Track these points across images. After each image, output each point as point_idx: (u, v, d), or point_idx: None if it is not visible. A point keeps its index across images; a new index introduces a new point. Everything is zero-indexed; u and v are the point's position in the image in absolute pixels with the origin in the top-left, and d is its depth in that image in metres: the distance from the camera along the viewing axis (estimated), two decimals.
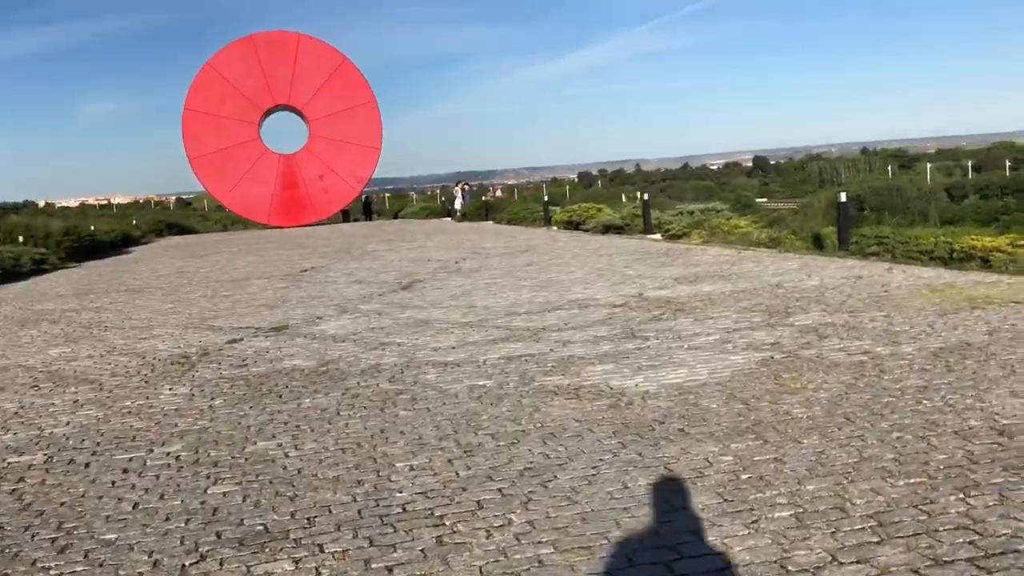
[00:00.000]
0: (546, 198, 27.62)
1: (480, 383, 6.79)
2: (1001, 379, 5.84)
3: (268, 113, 38.86)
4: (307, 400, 6.63)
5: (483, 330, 9.11)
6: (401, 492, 4.52)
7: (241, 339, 9.58)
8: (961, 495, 3.95)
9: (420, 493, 4.48)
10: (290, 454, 5.31)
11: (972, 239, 11.22)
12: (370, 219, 44.00)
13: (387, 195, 78.30)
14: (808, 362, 6.74)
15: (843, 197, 13.63)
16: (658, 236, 19.29)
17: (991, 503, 3.84)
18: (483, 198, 38.54)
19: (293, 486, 4.73)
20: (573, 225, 23.84)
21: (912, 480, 4.17)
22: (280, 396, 6.83)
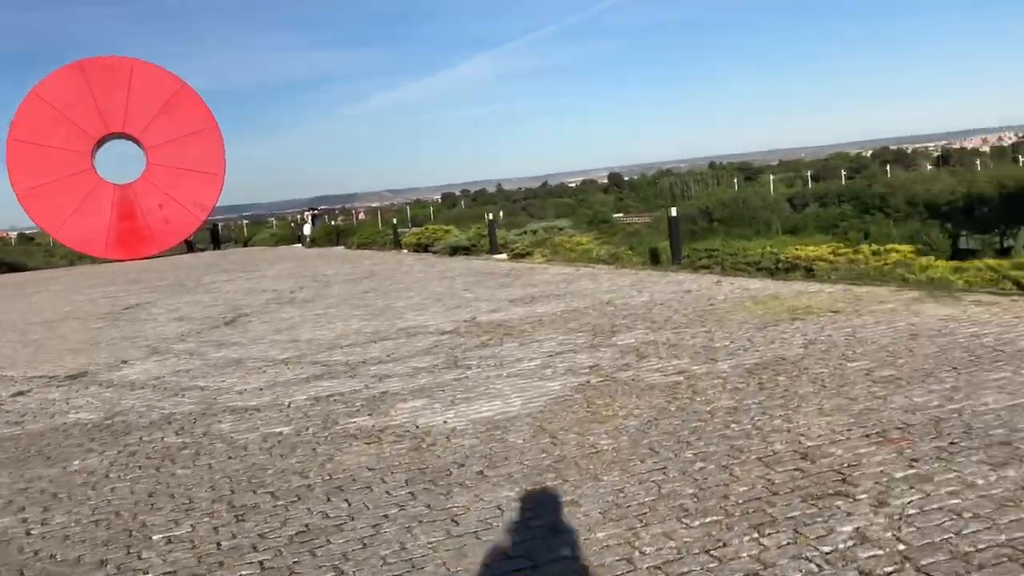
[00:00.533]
0: (395, 221, 27.02)
1: (277, 430, 6.20)
2: (811, 396, 5.69)
3: (102, 142, 36.75)
4: (76, 462, 5.89)
5: (298, 367, 8.50)
6: (147, 574, 3.91)
7: (29, 390, 8.64)
8: (756, 534, 3.67)
9: (168, 573, 3.88)
10: (33, 531, 4.60)
11: (796, 249, 11.36)
12: (218, 248, 42.25)
13: (245, 222, 75.70)
14: (623, 386, 6.46)
15: (673, 212, 13.67)
16: (504, 256, 19.04)
17: (784, 542, 3.57)
18: (332, 223, 37.56)
19: (22, 574, 4.04)
20: (422, 247, 23.36)
21: (708, 519, 3.87)
22: (48, 458, 6.05)
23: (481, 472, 4.85)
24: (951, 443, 4.50)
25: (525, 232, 19.05)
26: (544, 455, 5.03)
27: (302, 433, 6.05)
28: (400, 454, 5.35)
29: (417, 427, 5.91)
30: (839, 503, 3.89)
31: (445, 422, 5.96)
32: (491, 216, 20.28)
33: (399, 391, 7.03)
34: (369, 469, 5.11)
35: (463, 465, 5.00)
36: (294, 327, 11.28)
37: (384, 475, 4.97)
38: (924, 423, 4.87)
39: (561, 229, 18.85)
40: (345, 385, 7.45)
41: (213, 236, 44.01)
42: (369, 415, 6.36)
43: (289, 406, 6.90)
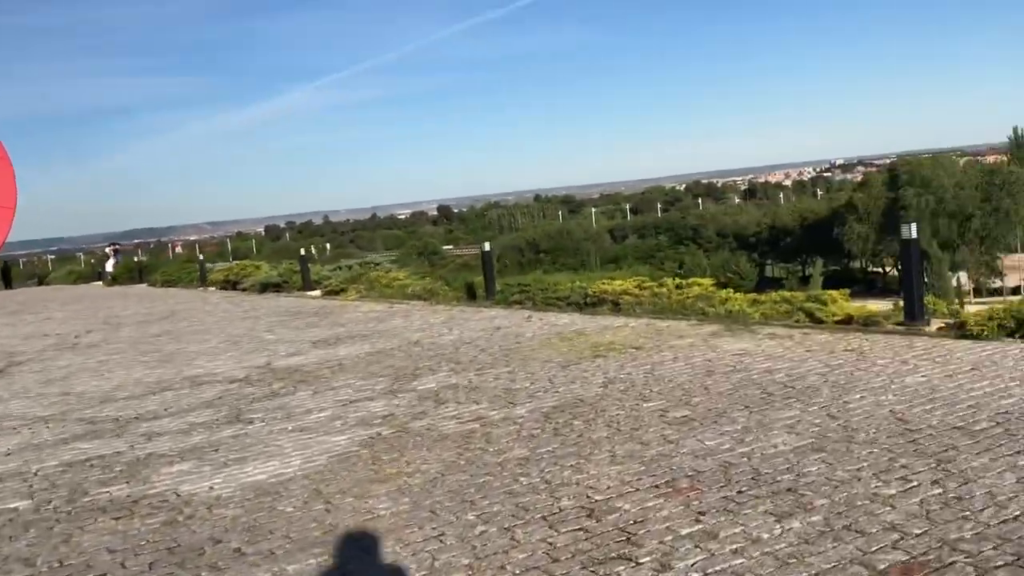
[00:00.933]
0: (201, 256, 25.60)
1: (14, 505, 5.36)
2: (604, 441, 5.44)
3: None
4: None
5: (61, 425, 7.56)
6: None
7: None
8: None
9: None
10: None
11: (603, 284, 11.34)
12: (9, 287, 38.86)
13: (51, 257, 70.57)
14: (415, 437, 6.02)
15: (487, 247, 13.46)
16: (317, 293, 18.28)
17: None
18: (135, 259, 35.36)
19: None
20: (231, 284, 22.16)
21: None
22: None
23: (239, 549, 4.27)
24: (739, 492, 4.32)
25: (339, 267, 18.36)
26: (314, 525, 4.51)
27: (42, 508, 5.25)
28: (151, 530, 4.68)
29: (178, 496, 5.24)
30: (621, 569, 3.59)
31: (211, 488, 5.32)
32: (304, 251, 19.45)
33: (167, 452, 6.30)
34: (110, 551, 4.42)
35: (220, 541, 4.41)
36: (69, 377, 10.18)
37: (126, 558, 4.31)
38: (714, 469, 4.69)
39: (377, 264, 18.29)
40: (108, 446, 6.64)
41: (3, 274, 40.51)
42: (126, 483, 5.62)
43: (36, 474, 6.03)
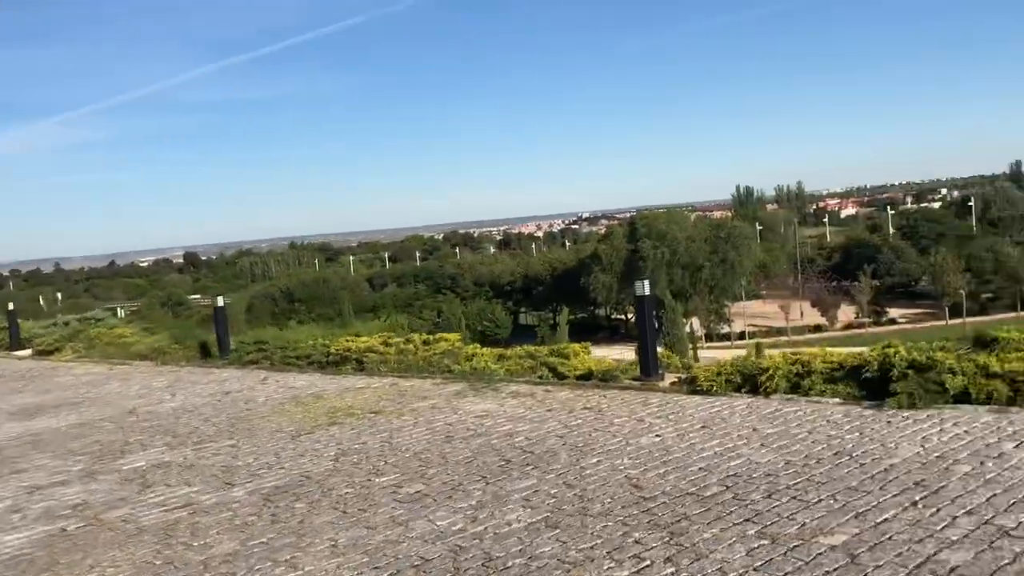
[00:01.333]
0: None
1: None
2: (327, 527, 4.89)
3: None
4: None
5: None
6: None
7: None
8: None
9: None
10: None
11: (347, 341, 10.80)
12: None
13: None
14: (109, 530, 5.18)
15: (220, 302, 12.50)
16: (28, 352, 16.31)
17: None
18: None
19: None
20: None
21: None
22: None
23: None
24: None
25: (55, 323, 16.50)
26: None
27: None
28: None
29: None
30: None
31: None
32: (11, 306, 17.33)
33: None
34: None
35: None
36: None
37: None
38: (443, 555, 4.28)
39: (100, 319, 16.61)
40: None
41: None
42: None
43: None
